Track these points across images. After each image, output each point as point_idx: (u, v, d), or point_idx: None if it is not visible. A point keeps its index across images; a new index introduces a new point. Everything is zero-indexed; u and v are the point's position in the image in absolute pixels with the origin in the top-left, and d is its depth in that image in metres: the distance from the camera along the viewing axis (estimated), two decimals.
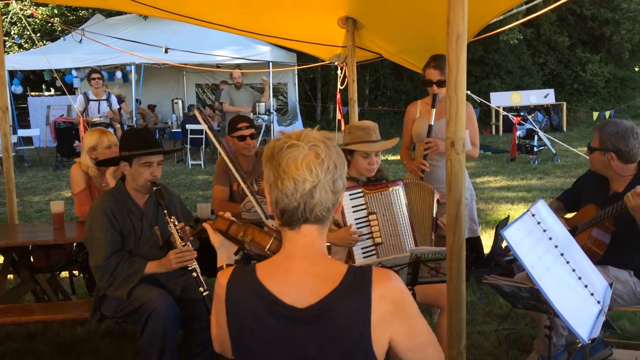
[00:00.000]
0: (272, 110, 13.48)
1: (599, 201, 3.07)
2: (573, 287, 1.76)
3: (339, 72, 5.23)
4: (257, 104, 13.32)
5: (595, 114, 17.44)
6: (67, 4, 13.51)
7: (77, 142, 11.82)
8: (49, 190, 9.76)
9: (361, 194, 3.02)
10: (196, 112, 2.22)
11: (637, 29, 21.37)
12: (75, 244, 3.92)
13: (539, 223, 1.86)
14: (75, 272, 4.40)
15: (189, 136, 12.02)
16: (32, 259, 4.09)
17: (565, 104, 18.20)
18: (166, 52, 8.98)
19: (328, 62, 5.33)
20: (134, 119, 12.45)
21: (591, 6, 20.15)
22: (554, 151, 11.82)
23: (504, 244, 5.33)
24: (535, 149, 11.70)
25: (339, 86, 5.30)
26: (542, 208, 1.90)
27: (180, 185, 9.94)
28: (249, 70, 11.82)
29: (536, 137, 11.76)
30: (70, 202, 6.61)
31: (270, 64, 12.74)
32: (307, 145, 1.40)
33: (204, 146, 12.18)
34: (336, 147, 1.45)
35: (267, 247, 1.63)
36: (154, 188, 2.92)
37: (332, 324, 1.37)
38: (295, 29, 4.94)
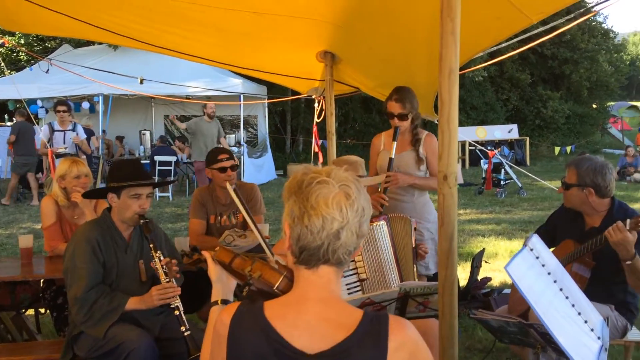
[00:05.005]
0: (242, 142, 13.46)
1: (576, 236, 3.10)
2: (574, 322, 1.75)
3: (315, 105, 5.25)
4: (226, 135, 13.28)
5: (557, 149, 18.01)
6: (36, 32, 13.32)
7: (40, 174, 11.48)
8: (10, 223, 9.40)
9: None
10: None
11: (595, 68, 22.31)
12: (42, 281, 3.74)
13: (537, 258, 1.86)
14: (42, 310, 4.20)
15: (157, 167, 11.83)
16: None
17: (528, 139, 18.74)
18: (141, 83, 8.86)
19: (306, 95, 5.34)
20: (100, 150, 12.20)
21: (551, 46, 20.97)
22: (519, 184, 12.09)
23: (479, 277, 5.36)
24: (502, 182, 11.95)
25: (315, 119, 5.31)
26: (537, 242, 1.91)
27: (150, 217, 9.70)
28: (221, 102, 11.78)
29: (503, 170, 12.03)
30: (35, 236, 6.35)
31: (242, 96, 12.74)
32: (338, 184, 1.34)
33: (172, 177, 12.00)
34: (364, 190, 1.40)
35: (276, 286, 1.53)
36: (142, 221, 2.82)
37: None
38: (272, 62, 4.94)
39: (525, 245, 1.89)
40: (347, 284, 2.94)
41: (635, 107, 35.01)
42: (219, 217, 4.00)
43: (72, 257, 2.81)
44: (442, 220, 2.13)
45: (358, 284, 2.95)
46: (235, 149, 12.95)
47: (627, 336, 3.07)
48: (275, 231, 7.39)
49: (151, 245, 2.75)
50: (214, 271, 1.73)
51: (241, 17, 3.62)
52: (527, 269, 1.78)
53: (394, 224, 3.09)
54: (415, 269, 3.14)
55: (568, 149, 18.15)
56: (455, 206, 2.13)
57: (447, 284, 2.18)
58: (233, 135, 14.36)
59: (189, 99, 12.95)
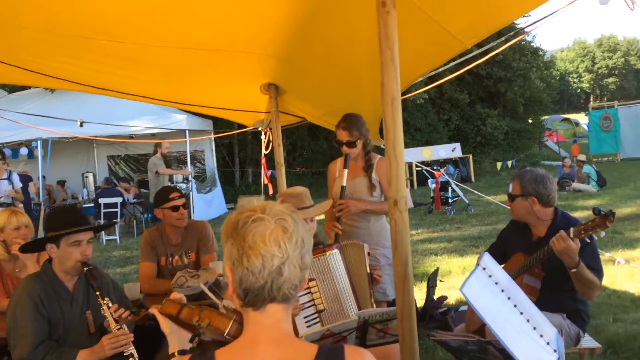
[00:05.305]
0: (190, 178, 13.24)
1: (524, 248, 3.19)
2: (531, 337, 1.78)
3: (262, 137, 5.24)
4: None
5: (499, 164, 18.65)
6: None
7: None
8: None
9: None
10: (202, 286, 2.16)
11: (528, 84, 23.42)
12: None
13: (490, 276, 1.89)
14: None
15: (103, 210, 11.47)
16: None
17: (471, 156, 19.34)
18: (81, 125, 8.63)
19: (252, 127, 5.33)
20: (41, 196, 11.73)
21: (486, 66, 21.83)
22: (467, 201, 12.40)
23: (435, 296, 5.40)
24: (450, 200, 12.23)
25: (263, 151, 5.29)
26: (489, 260, 1.94)
27: (95, 263, 9.34)
28: (167, 140, 11.56)
29: (450, 188, 12.32)
30: None
31: (187, 132, 12.59)
32: (274, 219, 1.32)
33: (118, 219, 11.65)
34: (302, 221, 1.38)
35: (227, 332, 1.48)
36: (85, 268, 2.70)
37: None
38: (216, 96, 4.91)
39: (477, 265, 1.92)
40: (305, 317, 2.90)
41: (568, 119, 36.90)
42: (170, 258, 3.88)
43: (13, 315, 2.65)
44: (395, 245, 2.15)
45: (316, 315, 2.92)
46: (183, 186, 12.72)
47: (580, 343, 3.14)
48: None
49: (97, 293, 2.63)
50: (166, 325, 1.67)
51: (180, 53, 3.59)
52: (482, 288, 1.80)
53: (347, 251, 3.09)
54: (371, 295, 3.13)
55: (509, 163, 18.84)
56: (407, 231, 2.15)
57: (405, 309, 2.19)
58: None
59: (132, 138, 12.68)
